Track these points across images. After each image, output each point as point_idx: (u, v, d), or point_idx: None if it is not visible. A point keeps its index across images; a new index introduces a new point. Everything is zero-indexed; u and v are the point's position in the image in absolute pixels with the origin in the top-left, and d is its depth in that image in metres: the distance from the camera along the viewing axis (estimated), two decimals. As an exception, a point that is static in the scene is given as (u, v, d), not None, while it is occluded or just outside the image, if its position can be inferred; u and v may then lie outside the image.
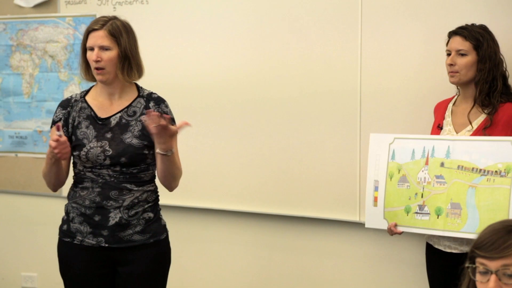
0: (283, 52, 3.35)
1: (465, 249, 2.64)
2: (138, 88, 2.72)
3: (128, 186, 2.60)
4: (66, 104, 2.69)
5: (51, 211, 4.05)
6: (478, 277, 1.67)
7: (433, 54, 3.01)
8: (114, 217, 2.59)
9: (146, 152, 2.62)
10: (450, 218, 2.60)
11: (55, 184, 2.67)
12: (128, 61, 2.63)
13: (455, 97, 2.84)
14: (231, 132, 3.51)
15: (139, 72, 2.67)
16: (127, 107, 2.66)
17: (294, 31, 3.32)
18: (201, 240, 3.70)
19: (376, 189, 2.80)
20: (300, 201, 3.39)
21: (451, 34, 2.76)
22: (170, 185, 2.69)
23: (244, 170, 3.50)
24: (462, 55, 2.70)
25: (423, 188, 2.68)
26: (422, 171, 2.68)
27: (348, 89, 3.22)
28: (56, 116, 2.68)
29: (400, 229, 2.75)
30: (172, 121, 2.67)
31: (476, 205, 2.54)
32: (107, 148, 2.59)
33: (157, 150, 2.53)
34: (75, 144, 2.63)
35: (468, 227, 2.56)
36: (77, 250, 2.64)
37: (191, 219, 3.67)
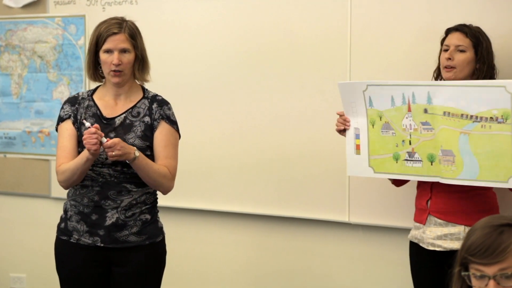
0: (272, 46, 3.38)
1: (449, 246, 2.63)
2: (144, 89, 2.73)
3: (128, 186, 2.60)
4: (73, 101, 2.69)
5: (40, 212, 4.04)
6: (475, 282, 1.64)
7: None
8: (111, 217, 2.59)
9: (149, 153, 2.61)
10: (443, 165, 2.48)
11: (76, 183, 2.61)
12: (143, 62, 2.67)
13: None
14: (221, 134, 3.52)
15: (149, 72, 2.70)
16: (132, 107, 2.66)
17: (285, 32, 3.35)
18: (192, 240, 3.69)
19: (357, 136, 2.71)
20: (290, 202, 3.40)
21: (450, 30, 2.73)
22: (159, 190, 2.69)
23: (233, 171, 3.50)
24: (461, 51, 2.67)
25: (410, 135, 2.56)
26: (406, 117, 2.57)
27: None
28: (64, 113, 2.68)
29: (389, 176, 2.69)
30: (174, 124, 2.68)
31: (473, 152, 2.42)
32: None
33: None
34: (79, 141, 2.62)
35: (466, 174, 2.45)
36: (73, 248, 2.64)
37: (182, 220, 3.67)
